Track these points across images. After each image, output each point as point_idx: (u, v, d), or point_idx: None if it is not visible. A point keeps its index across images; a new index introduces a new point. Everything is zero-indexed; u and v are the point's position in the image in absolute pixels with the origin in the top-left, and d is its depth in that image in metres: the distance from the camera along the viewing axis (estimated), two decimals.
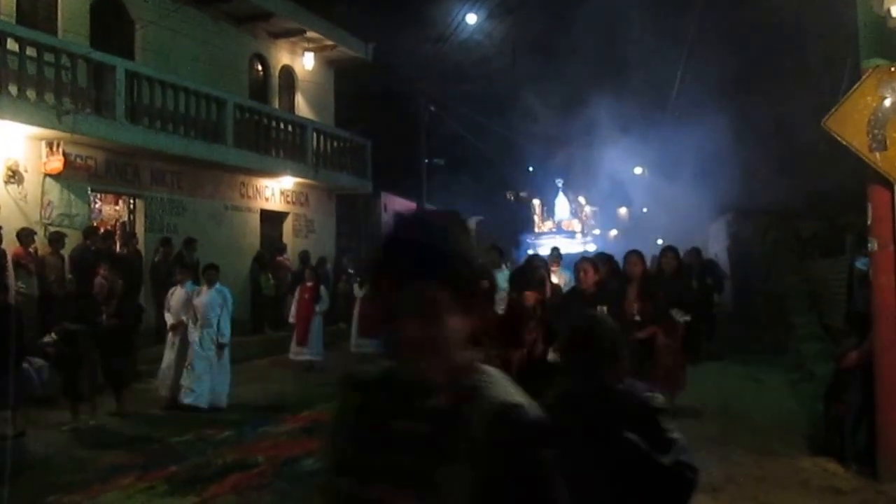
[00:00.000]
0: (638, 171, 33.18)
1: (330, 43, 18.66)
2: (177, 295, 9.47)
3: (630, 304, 6.51)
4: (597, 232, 32.71)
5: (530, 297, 4.35)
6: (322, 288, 12.56)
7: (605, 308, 5.65)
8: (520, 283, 4.59)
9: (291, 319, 12.48)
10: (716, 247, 21.68)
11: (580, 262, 6.31)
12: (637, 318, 6.41)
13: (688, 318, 7.21)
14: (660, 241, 23.81)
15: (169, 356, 9.29)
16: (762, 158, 18.93)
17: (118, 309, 8.88)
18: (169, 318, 9.43)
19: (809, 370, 9.71)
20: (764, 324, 13.18)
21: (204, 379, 8.97)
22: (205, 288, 9.23)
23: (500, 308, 5.98)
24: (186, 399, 8.91)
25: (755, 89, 19.62)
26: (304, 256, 15.51)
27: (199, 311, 9.07)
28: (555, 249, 11.94)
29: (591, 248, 27.28)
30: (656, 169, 29.32)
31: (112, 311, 8.83)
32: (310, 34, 17.96)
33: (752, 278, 15.68)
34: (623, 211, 37.73)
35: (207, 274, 9.42)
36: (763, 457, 6.39)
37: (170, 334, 9.44)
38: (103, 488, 6.16)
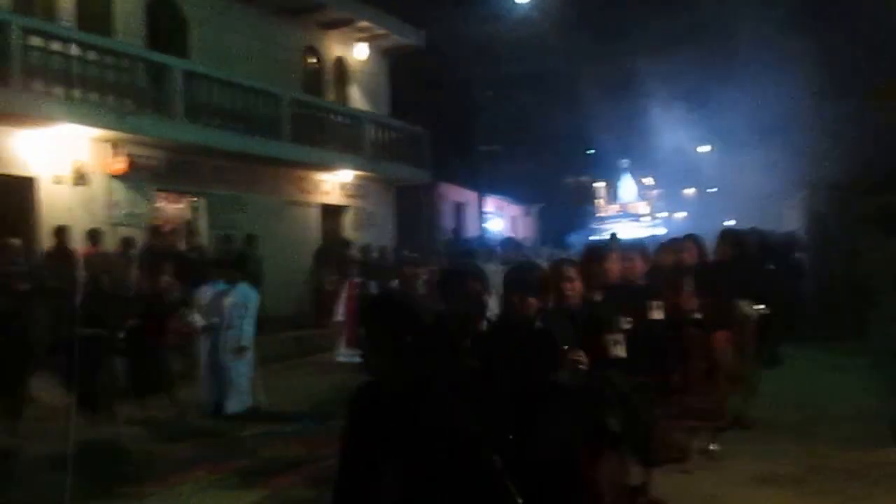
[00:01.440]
0: (705, 149, 32.35)
1: (382, 31, 18.73)
2: (206, 295, 9.11)
3: (687, 300, 5.61)
4: (664, 214, 31.97)
5: (532, 303, 3.50)
6: (372, 284, 11.76)
7: (660, 304, 4.98)
8: (519, 285, 3.59)
9: (340, 317, 11.43)
10: (791, 226, 20.99)
11: (625, 251, 5.48)
12: (697, 315, 5.50)
13: (763, 308, 6.44)
14: (731, 223, 23.19)
15: (202, 361, 8.98)
16: (843, 125, 18.12)
17: (145, 310, 8.59)
18: (199, 320, 9.04)
19: None
20: (846, 307, 12.66)
21: (234, 383, 8.70)
22: (229, 288, 8.87)
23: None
24: (227, 406, 8.62)
25: (832, 47, 18.72)
26: (365, 250, 15.66)
27: (225, 312, 8.73)
28: (613, 235, 11.27)
29: (661, 231, 26.69)
30: (725, 145, 28.51)
31: (139, 313, 8.56)
32: (361, 24, 18.07)
33: (832, 258, 15.11)
34: (690, 192, 36.88)
35: (229, 273, 9.09)
36: (848, 448, 6.14)
37: (201, 337, 9.10)
38: (177, 480, 6.36)
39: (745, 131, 23.90)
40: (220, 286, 9.06)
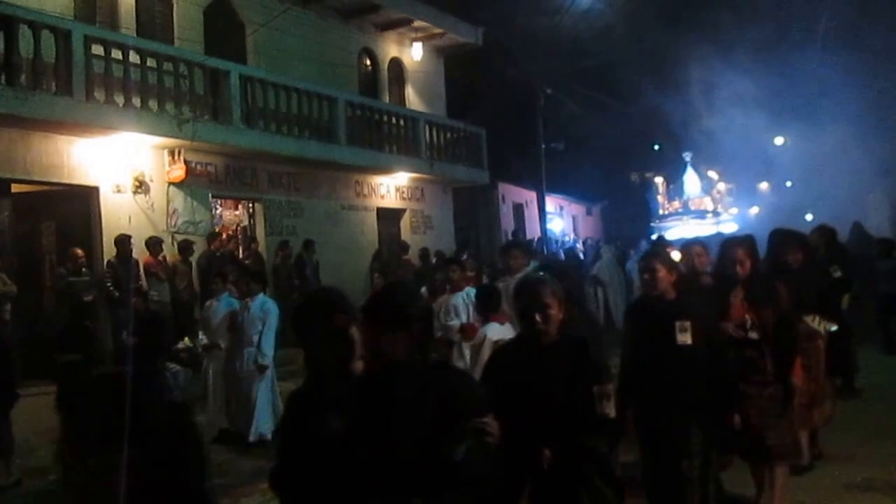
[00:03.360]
0: (779, 140, 31.53)
1: (438, 30, 18.78)
2: (213, 310, 8.57)
3: (737, 313, 4.84)
4: (735, 211, 31.13)
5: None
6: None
7: (686, 324, 4.23)
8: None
9: None
10: (876, 219, 20.27)
11: (645, 260, 4.65)
12: (752, 334, 4.75)
13: (834, 327, 5.69)
14: (809, 218, 22.53)
15: (205, 384, 8.50)
16: None
17: (137, 327, 8.22)
18: (203, 339, 8.57)
19: None
20: None
21: (249, 408, 8.14)
22: (247, 301, 8.34)
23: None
24: (252, 432, 8.09)
25: None
26: (423, 254, 15.72)
27: (242, 328, 8.21)
28: (659, 239, 10.30)
29: (731, 228, 26.03)
30: (800, 136, 27.72)
31: (131, 330, 8.27)
32: (417, 23, 18.14)
33: None
34: (764, 186, 35.96)
35: (247, 285, 8.56)
36: None
37: (205, 357, 8.62)
38: (245, 491, 6.50)
39: (822, 120, 23.20)
40: (227, 299, 8.57)
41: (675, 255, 10.15)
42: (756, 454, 4.79)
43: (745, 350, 4.73)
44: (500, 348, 3.50)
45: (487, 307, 5.73)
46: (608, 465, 3.21)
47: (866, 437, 6.51)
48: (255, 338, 8.15)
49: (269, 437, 7.90)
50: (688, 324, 4.23)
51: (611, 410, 3.19)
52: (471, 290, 6.86)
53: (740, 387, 4.60)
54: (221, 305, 8.53)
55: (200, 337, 8.67)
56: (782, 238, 6.01)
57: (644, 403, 4.26)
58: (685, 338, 4.23)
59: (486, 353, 5.06)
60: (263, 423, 8.13)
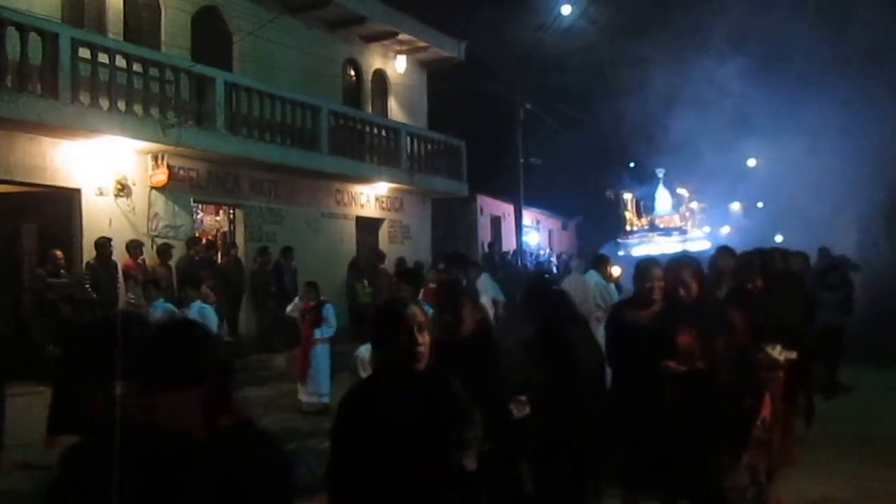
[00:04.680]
0: (752, 162, 32.09)
1: (422, 44, 19.03)
2: (149, 317, 8.23)
3: (684, 343, 4.23)
4: (707, 230, 31.58)
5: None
6: (328, 307, 10.33)
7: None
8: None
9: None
10: (843, 243, 20.73)
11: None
12: (699, 364, 4.17)
13: (793, 355, 5.22)
14: (779, 239, 22.97)
15: None
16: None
17: (60, 339, 7.74)
18: None
19: None
20: None
21: None
22: (184, 310, 8.10)
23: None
24: None
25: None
26: (400, 263, 15.86)
27: None
28: (601, 257, 9.62)
29: (702, 246, 26.36)
30: (773, 157, 28.23)
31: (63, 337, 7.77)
32: (402, 36, 18.37)
33: (884, 279, 14.97)
34: (736, 206, 36.52)
35: (184, 292, 8.44)
36: None
37: None
38: None
39: (794, 142, 23.71)
40: (163, 305, 8.36)
41: (616, 271, 10.36)
42: (706, 499, 4.18)
43: (691, 384, 4.13)
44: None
45: None
46: None
47: (827, 455, 6.66)
48: None
49: None
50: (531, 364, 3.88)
51: (470, 463, 2.50)
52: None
53: (694, 425, 4.15)
54: (157, 312, 8.35)
55: None
56: (744, 265, 5.74)
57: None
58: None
59: None
60: None
